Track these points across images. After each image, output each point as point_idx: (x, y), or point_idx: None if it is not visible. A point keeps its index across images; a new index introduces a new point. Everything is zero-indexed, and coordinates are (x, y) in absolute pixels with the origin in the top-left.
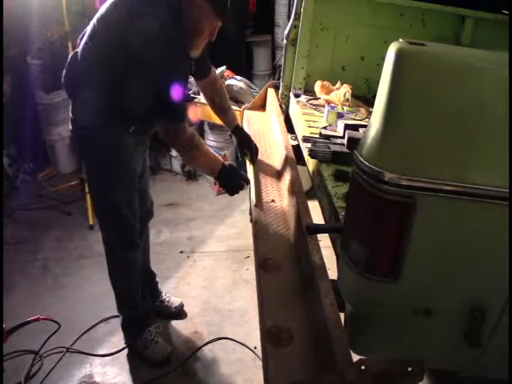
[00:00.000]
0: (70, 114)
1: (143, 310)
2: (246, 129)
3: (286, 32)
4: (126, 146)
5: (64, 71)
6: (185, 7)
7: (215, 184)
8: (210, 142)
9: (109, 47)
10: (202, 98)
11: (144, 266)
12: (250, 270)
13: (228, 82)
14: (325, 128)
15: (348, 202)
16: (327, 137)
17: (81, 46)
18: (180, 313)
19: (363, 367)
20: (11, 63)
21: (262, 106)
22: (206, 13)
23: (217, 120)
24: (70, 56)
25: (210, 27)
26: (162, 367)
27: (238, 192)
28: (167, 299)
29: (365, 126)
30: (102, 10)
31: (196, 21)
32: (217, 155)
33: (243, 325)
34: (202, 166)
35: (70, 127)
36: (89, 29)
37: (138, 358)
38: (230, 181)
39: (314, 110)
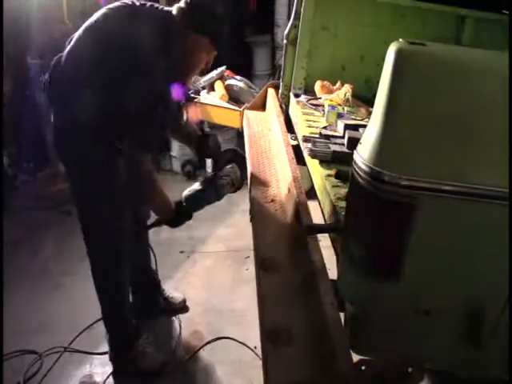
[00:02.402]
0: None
1: (132, 326)
2: (246, 129)
3: (286, 32)
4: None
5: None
6: (177, 41)
7: None
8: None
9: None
10: (201, 98)
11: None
12: (249, 270)
13: (228, 81)
14: (325, 128)
15: (348, 202)
16: (327, 137)
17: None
18: (184, 307)
19: (363, 367)
20: (11, 63)
21: (262, 106)
22: (203, 45)
23: (217, 120)
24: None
25: (207, 58)
26: (157, 377)
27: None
28: (170, 296)
29: (365, 126)
30: (92, 19)
31: (192, 54)
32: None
33: (243, 325)
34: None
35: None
36: (75, 37)
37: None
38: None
39: (314, 110)
